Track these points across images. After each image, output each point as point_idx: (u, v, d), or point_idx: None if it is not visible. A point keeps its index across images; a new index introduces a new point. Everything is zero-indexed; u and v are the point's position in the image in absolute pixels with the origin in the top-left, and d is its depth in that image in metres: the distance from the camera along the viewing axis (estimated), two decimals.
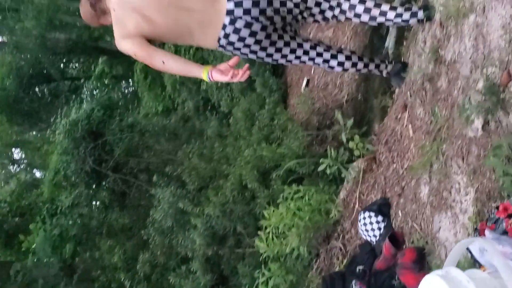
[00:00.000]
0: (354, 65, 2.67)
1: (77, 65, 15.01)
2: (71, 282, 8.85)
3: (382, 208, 2.92)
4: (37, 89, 12.74)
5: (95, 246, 8.23)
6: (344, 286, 2.87)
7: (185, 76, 2.25)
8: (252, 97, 6.26)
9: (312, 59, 2.56)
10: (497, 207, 1.95)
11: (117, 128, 7.65)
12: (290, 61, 2.55)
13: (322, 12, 2.46)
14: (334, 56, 2.61)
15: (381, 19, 2.46)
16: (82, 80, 12.79)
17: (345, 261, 3.29)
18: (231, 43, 2.32)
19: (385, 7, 2.44)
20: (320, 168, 3.52)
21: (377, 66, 2.81)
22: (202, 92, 7.66)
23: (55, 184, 8.81)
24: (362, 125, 4.09)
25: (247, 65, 2.32)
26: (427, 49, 2.64)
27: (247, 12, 2.22)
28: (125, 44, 2.34)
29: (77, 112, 7.70)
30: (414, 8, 2.53)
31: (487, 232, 1.91)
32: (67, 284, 8.83)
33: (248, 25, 2.25)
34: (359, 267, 2.86)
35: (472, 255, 1.99)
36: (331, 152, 3.46)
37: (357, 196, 3.38)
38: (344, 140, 3.46)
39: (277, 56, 2.46)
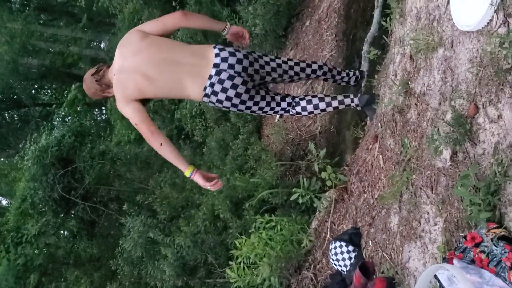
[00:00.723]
0: (316, 107, 2.96)
1: (49, 91, 14.87)
2: None
3: (353, 238, 2.93)
4: (6, 114, 12.51)
5: (61, 276, 7.96)
6: None
7: (171, 163, 2.68)
8: (227, 127, 6.28)
9: (283, 109, 2.89)
10: (465, 237, 1.98)
11: (88, 156, 7.53)
12: (266, 112, 2.86)
13: (295, 75, 2.89)
14: (297, 103, 2.94)
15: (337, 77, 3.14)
16: (53, 106, 12.64)
17: None
18: (215, 93, 2.57)
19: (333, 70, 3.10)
20: (293, 197, 3.54)
21: (341, 103, 3.04)
22: (176, 121, 7.65)
23: (21, 212, 8.53)
24: (334, 156, 4.14)
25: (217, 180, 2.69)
26: (397, 81, 2.71)
27: (231, 67, 2.54)
28: (127, 111, 2.58)
29: (47, 138, 7.57)
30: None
31: (455, 261, 1.94)
32: None
33: (231, 77, 2.54)
34: None
35: (440, 284, 2.00)
36: (303, 182, 3.48)
37: (329, 225, 3.39)
38: (317, 170, 3.49)
39: (254, 108, 2.75)
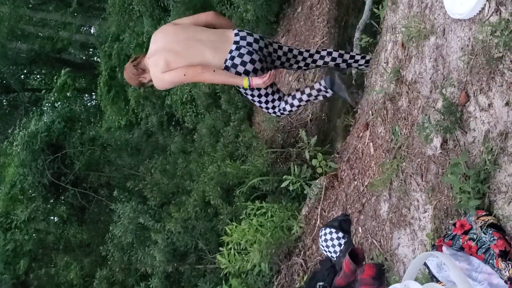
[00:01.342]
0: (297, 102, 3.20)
1: (38, 76, 14.70)
2: None
3: (343, 225, 2.95)
4: None
5: (51, 262, 7.92)
6: None
7: (225, 83, 3.28)
8: (217, 113, 6.25)
9: (274, 107, 3.18)
10: (454, 224, 2.00)
11: (78, 141, 7.47)
12: (267, 103, 3.13)
13: (301, 62, 3.18)
14: (292, 105, 3.20)
15: (343, 65, 3.27)
16: (43, 92, 12.51)
17: (305, 278, 3.29)
18: (235, 65, 2.83)
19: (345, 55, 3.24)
20: (283, 185, 3.54)
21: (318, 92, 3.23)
22: (167, 107, 7.60)
23: (10, 198, 8.47)
24: (325, 143, 4.14)
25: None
26: (389, 69, 2.71)
27: (249, 44, 2.85)
28: (168, 75, 2.89)
29: (36, 124, 7.48)
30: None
31: (444, 248, 1.95)
32: None
33: (250, 53, 2.83)
34: (320, 284, 2.86)
35: (429, 271, 2.02)
36: (294, 169, 3.49)
37: (319, 212, 3.40)
38: (308, 157, 3.49)
39: (262, 91, 3.03)
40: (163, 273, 5.33)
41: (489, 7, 1.90)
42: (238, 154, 5.16)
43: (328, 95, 3.18)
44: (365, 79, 3.27)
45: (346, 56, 3.25)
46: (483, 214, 1.85)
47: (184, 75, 2.83)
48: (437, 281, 1.98)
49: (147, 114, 8.17)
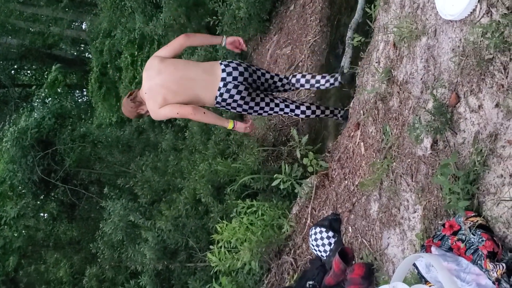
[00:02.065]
0: (313, 112, 3.52)
1: (29, 72, 14.58)
2: None
3: (333, 224, 2.95)
4: None
5: (41, 259, 7.88)
6: None
7: (213, 124, 3.74)
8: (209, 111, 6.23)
9: (281, 109, 3.44)
10: (443, 225, 2.01)
11: (68, 138, 7.43)
12: (266, 112, 3.42)
13: (282, 86, 3.55)
14: (297, 107, 3.48)
15: (316, 85, 3.53)
16: (33, 88, 12.41)
17: (295, 276, 3.29)
18: (224, 100, 3.22)
19: (318, 77, 3.53)
20: (274, 183, 3.54)
21: (332, 112, 3.61)
22: None
23: (0, 194, 8.42)
24: (316, 142, 4.15)
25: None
26: (380, 69, 2.72)
27: (235, 79, 3.19)
28: (163, 110, 3.20)
29: (26, 120, 7.43)
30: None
31: (433, 248, 1.96)
32: None
33: (235, 86, 3.19)
34: (309, 283, 2.87)
35: (418, 271, 2.03)
36: (285, 168, 3.49)
37: (309, 211, 3.41)
38: (299, 156, 3.50)
39: (256, 108, 3.35)
40: (153, 271, 5.31)
41: (480, 8, 1.90)
42: (229, 152, 5.16)
43: (332, 117, 3.63)
44: (356, 78, 3.27)
45: (322, 81, 3.54)
46: (472, 215, 1.86)
47: (177, 113, 3.22)
48: (426, 281, 1.98)
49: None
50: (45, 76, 12.34)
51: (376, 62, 2.84)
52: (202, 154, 5.49)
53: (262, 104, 3.35)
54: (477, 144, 1.88)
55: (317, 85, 3.53)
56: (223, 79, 3.18)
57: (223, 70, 3.19)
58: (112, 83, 8.78)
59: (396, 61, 2.57)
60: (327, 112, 3.58)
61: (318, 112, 3.53)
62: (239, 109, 3.31)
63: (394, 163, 2.46)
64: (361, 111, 3.01)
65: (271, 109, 3.40)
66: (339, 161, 3.24)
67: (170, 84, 3.17)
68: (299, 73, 3.61)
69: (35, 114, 7.71)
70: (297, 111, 3.47)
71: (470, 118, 1.94)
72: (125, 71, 8.05)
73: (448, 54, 2.09)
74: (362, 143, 2.93)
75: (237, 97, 3.21)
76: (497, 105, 1.82)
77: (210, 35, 3.47)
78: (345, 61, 3.90)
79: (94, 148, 7.85)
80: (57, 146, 7.26)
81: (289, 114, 3.50)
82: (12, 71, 13.78)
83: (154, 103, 3.20)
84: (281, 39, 5.76)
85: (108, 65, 8.69)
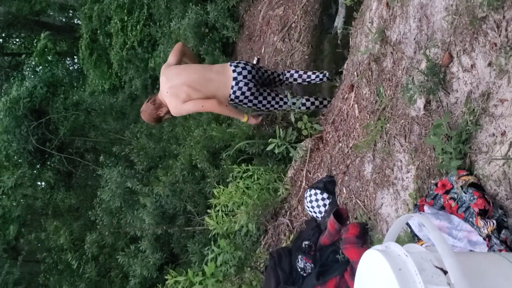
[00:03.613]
0: (312, 103, 3.80)
1: (17, 40, 14.30)
2: (16, 264, 8.57)
3: (328, 186, 2.99)
4: None
5: (41, 227, 7.95)
6: (291, 261, 2.92)
7: (231, 116, 3.80)
8: None
9: (285, 102, 3.69)
10: (436, 184, 2.04)
11: (61, 106, 7.38)
12: (273, 106, 3.69)
13: (279, 80, 3.94)
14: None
15: (307, 80, 3.91)
16: (23, 56, 12.21)
17: (291, 237, 3.35)
18: (237, 97, 3.57)
19: (309, 73, 3.93)
20: (269, 148, 3.55)
21: (321, 103, 3.83)
22: (150, 70, 7.49)
23: None
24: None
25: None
26: (374, 29, 2.69)
27: (245, 77, 3.56)
28: (186, 105, 3.50)
29: (18, 90, 7.34)
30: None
31: (426, 207, 2.00)
32: (12, 266, 8.53)
33: (246, 84, 3.55)
34: (305, 243, 2.92)
35: (411, 230, 2.07)
36: (279, 132, 3.49)
37: (304, 174, 3.44)
38: (293, 120, 3.50)
39: (264, 102, 3.65)
40: (153, 236, 5.39)
41: None
42: (224, 117, 5.15)
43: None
44: (350, 39, 3.24)
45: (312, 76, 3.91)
46: (464, 174, 1.89)
47: (202, 106, 3.51)
48: (419, 239, 2.03)
49: (131, 77, 8.05)
50: (34, 44, 12.12)
51: (369, 22, 2.81)
52: (196, 120, 5.48)
53: (269, 98, 3.67)
54: (469, 104, 1.89)
55: (308, 79, 3.92)
56: (234, 78, 3.53)
57: (234, 71, 3.55)
58: (103, 49, 8.64)
59: (389, 21, 2.54)
60: (325, 102, 3.83)
61: (316, 103, 3.81)
62: (249, 104, 3.62)
63: (388, 124, 2.47)
64: (355, 73, 3.00)
65: (277, 102, 3.70)
66: (333, 124, 3.25)
67: (192, 83, 3.50)
68: (293, 69, 4.28)
69: (27, 83, 7.61)
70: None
71: (463, 77, 1.94)
72: (115, 37, 7.91)
73: (441, 13, 2.07)
74: (356, 105, 2.93)
75: (248, 93, 3.56)
76: (489, 64, 1.81)
77: (232, 110, 3.73)
78: (339, 21, 3.86)
79: (88, 116, 7.80)
80: (51, 115, 7.22)
81: (292, 107, 3.73)
82: (0, 40, 13.52)
83: (177, 99, 3.50)
84: (273, 0, 5.65)
85: (98, 31, 8.52)
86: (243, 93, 3.56)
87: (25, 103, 7.02)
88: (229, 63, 3.65)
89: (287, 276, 2.87)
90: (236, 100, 3.60)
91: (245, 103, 3.64)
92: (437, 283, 1.05)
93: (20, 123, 7.00)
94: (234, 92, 3.54)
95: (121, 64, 7.99)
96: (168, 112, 3.68)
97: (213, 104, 3.48)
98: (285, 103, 3.69)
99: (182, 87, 3.50)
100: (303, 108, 3.74)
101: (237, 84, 3.54)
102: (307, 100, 3.80)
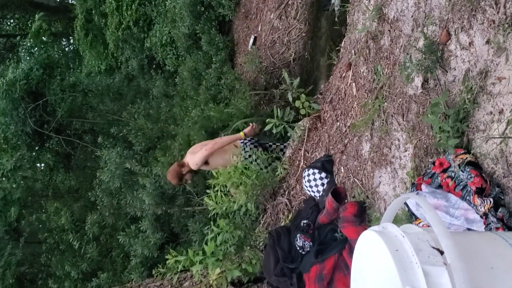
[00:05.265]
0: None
1: (12, 21, 14.14)
2: (18, 245, 8.65)
3: (326, 165, 2.99)
4: None
5: (41, 208, 8.00)
6: (290, 240, 2.95)
7: (230, 142, 3.89)
8: (198, 55, 6.13)
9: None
10: (433, 162, 2.04)
11: (58, 88, 7.34)
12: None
13: None
14: None
15: None
16: (18, 38, 12.09)
17: (290, 216, 3.37)
18: (246, 151, 3.86)
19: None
20: (267, 128, 3.54)
21: None
22: (146, 50, 7.44)
23: None
24: (308, 84, 4.13)
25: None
26: (371, 6, 2.65)
27: (249, 141, 3.94)
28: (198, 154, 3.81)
29: (14, 72, 7.29)
30: None
31: (423, 186, 2.00)
32: (14, 247, 8.61)
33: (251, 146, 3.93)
34: (304, 221, 2.94)
35: (409, 209, 2.08)
36: (277, 112, 3.48)
37: (302, 154, 3.44)
38: (291, 99, 3.48)
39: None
40: (153, 216, 5.43)
41: None
42: (221, 97, 5.13)
43: None
44: (347, 16, 3.21)
45: None
46: (461, 152, 1.89)
47: (206, 150, 3.72)
48: (416, 218, 2.04)
49: (127, 57, 8.00)
50: (29, 25, 11.98)
51: (367, 0, 2.77)
52: (193, 100, 5.46)
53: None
54: (467, 82, 1.88)
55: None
56: (242, 142, 3.91)
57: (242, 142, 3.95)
58: (99, 29, 8.56)
59: None
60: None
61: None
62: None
63: (386, 103, 2.46)
64: (353, 51, 2.98)
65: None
66: (331, 103, 3.24)
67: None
68: None
69: (22, 65, 7.55)
70: None
71: (461, 55, 1.93)
72: (110, 16, 7.82)
73: None
74: (353, 84, 2.91)
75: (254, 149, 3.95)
76: (487, 42, 1.80)
77: (229, 136, 3.99)
78: None
79: (85, 97, 7.77)
80: (48, 97, 7.18)
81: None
82: None
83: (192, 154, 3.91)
84: None
85: (93, 11, 8.43)
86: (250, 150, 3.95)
87: (22, 85, 6.99)
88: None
89: (286, 254, 2.89)
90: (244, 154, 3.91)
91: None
92: (433, 263, 1.05)
93: (17, 105, 6.97)
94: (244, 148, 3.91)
95: (117, 45, 7.94)
96: (190, 171, 3.95)
97: (210, 145, 3.76)
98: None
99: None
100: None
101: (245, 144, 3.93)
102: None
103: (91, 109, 7.70)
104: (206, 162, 3.88)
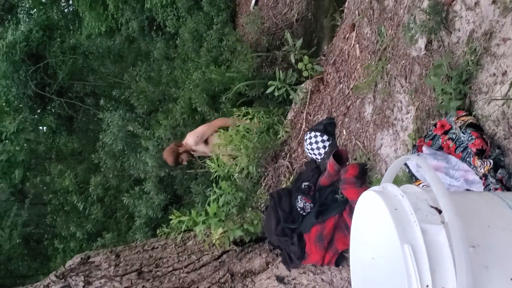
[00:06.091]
0: None
1: None
2: (23, 206, 8.79)
3: (328, 128, 3.00)
4: None
5: (45, 171, 8.08)
6: (291, 202, 2.98)
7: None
8: (199, 16, 6.04)
9: None
10: (435, 125, 2.04)
11: (58, 50, 7.29)
12: None
13: None
14: None
15: None
16: None
17: (291, 178, 3.40)
18: None
19: None
20: (269, 90, 3.52)
21: None
22: (147, 11, 7.33)
23: None
24: (311, 45, 4.08)
25: None
26: None
27: None
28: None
29: (14, 34, 7.22)
30: None
31: (424, 148, 2.02)
32: (20, 209, 8.77)
33: None
34: (305, 184, 2.97)
35: (409, 170, 2.10)
36: (279, 74, 3.45)
37: (304, 116, 3.44)
38: (293, 61, 3.44)
39: None
40: (156, 178, 5.48)
41: None
42: (223, 59, 5.09)
43: None
44: None
45: None
46: (463, 114, 1.89)
47: (209, 123, 3.81)
48: (416, 179, 2.07)
49: (127, 19, 7.89)
50: None
51: None
52: (195, 62, 5.42)
53: None
54: (471, 43, 1.86)
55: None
56: None
57: None
58: None
59: None
60: None
61: None
62: None
63: (389, 65, 2.45)
64: (356, 12, 2.93)
65: None
66: (334, 65, 3.21)
67: None
68: None
69: (22, 27, 7.47)
70: None
71: (466, 16, 1.90)
72: None
73: None
74: (357, 45, 2.89)
75: None
76: (494, 2, 1.77)
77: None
78: None
79: (86, 59, 7.72)
80: (48, 59, 7.14)
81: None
82: None
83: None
84: None
85: None
86: None
87: (22, 48, 6.93)
88: None
89: (287, 215, 2.94)
90: None
91: None
92: (431, 222, 1.08)
93: (18, 68, 6.94)
94: None
95: (116, 6, 7.82)
96: (187, 151, 4.00)
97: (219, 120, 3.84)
98: None
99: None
100: None
101: None
102: None
103: (92, 72, 7.66)
104: (205, 142, 3.88)
